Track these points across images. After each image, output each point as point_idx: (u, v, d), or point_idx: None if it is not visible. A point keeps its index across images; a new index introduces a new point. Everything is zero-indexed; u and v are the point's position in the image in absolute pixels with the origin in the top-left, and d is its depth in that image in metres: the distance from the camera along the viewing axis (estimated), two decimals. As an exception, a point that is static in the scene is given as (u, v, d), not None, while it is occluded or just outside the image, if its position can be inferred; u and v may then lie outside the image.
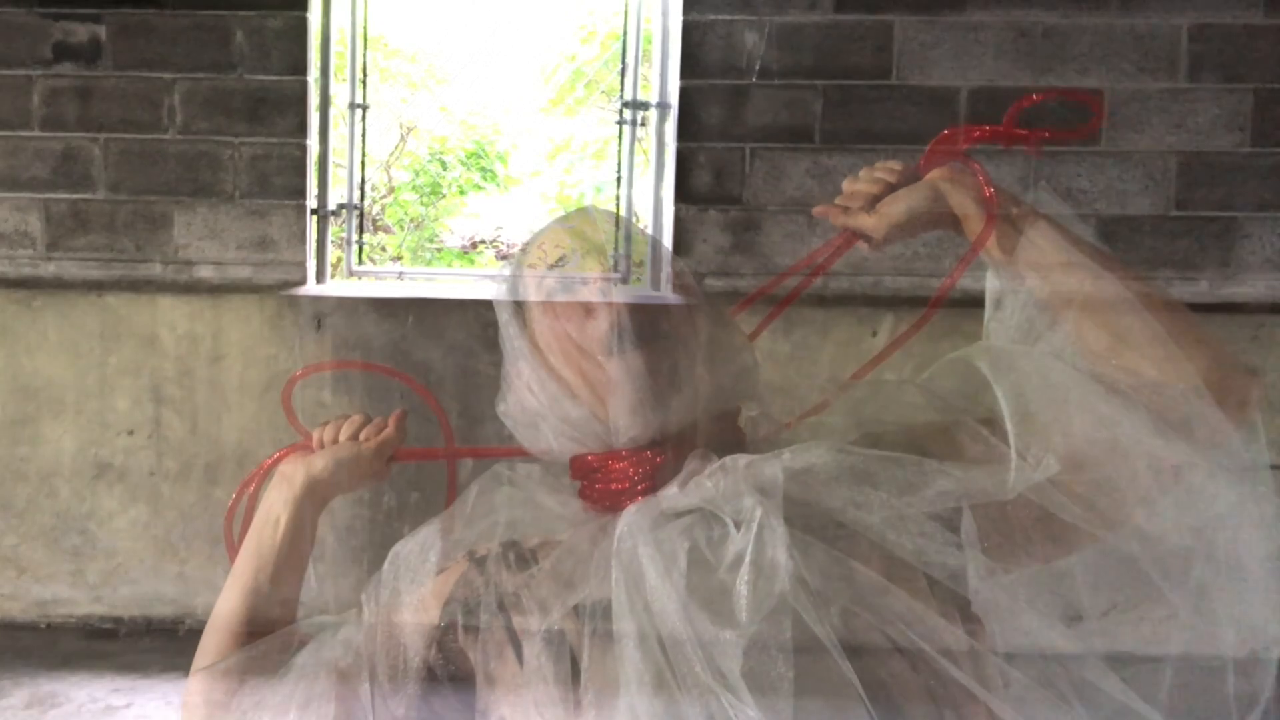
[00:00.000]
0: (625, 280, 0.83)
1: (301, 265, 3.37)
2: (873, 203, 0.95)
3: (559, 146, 6.81)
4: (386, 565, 0.86)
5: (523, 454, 0.93)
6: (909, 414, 0.88)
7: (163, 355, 3.34)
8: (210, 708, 0.86)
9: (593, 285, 0.85)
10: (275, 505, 0.99)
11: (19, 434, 3.37)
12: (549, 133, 6.90)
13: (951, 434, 0.84)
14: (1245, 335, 3.28)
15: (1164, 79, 3.26)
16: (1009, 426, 0.81)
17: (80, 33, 3.29)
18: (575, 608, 0.77)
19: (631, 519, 0.79)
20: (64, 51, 3.29)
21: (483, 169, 6.76)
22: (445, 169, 6.66)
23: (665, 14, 3.46)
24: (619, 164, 3.73)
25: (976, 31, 3.26)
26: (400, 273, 4.29)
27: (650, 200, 3.60)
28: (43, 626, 3.40)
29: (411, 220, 6.69)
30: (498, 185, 6.85)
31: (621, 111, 3.67)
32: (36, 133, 3.32)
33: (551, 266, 0.89)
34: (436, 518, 0.88)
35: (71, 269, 3.35)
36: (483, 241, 6.97)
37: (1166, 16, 3.23)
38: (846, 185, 0.99)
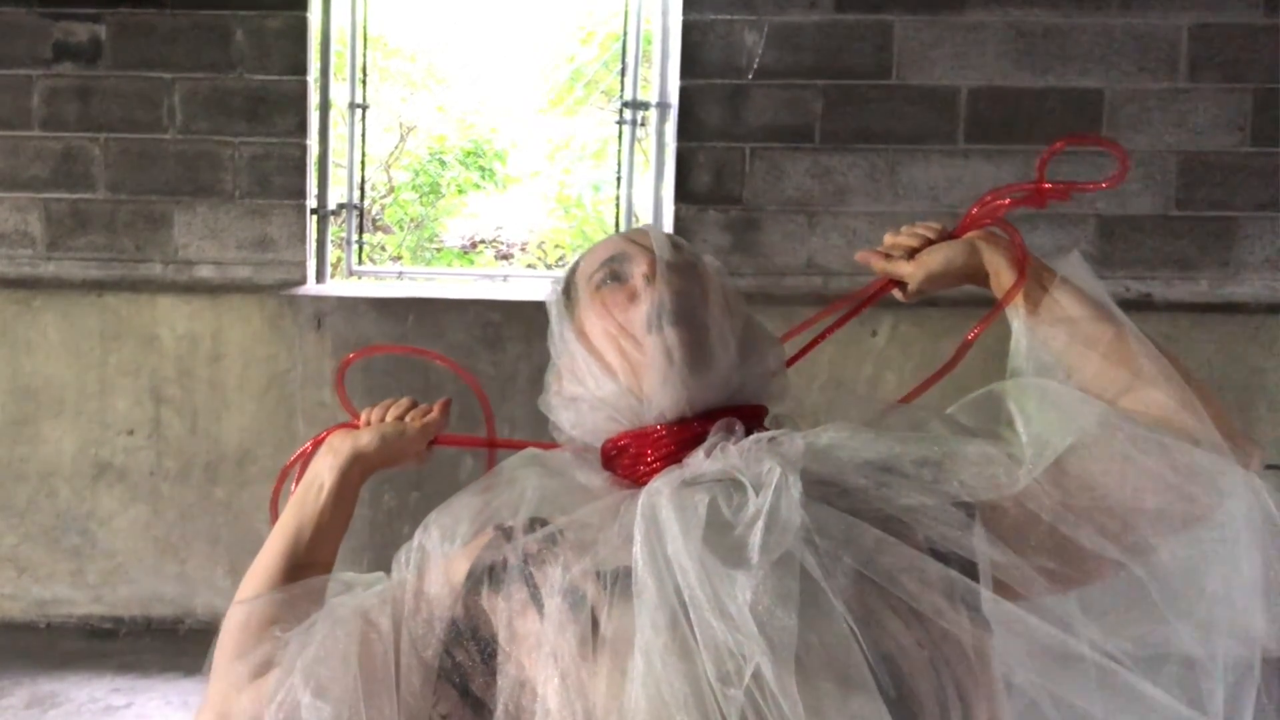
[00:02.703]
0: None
1: (301, 265, 3.37)
2: (912, 254, 1.03)
3: (558, 146, 6.81)
4: (419, 531, 0.90)
5: (558, 448, 0.98)
6: None
7: (163, 355, 3.34)
8: (244, 636, 0.91)
9: (639, 276, 0.91)
10: (321, 472, 1.04)
11: (19, 434, 3.37)
12: (548, 133, 6.90)
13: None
14: (1245, 335, 3.29)
15: (1164, 79, 3.26)
16: (1020, 430, 0.85)
17: (80, 33, 3.29)
18: (597, 573, 0.80)
19: (657, 483, 0.82)
20: (64, 51, 3.30)
21: (482, 169, 6.76)
22: (445, 169, 6.66)
23: (665, 14, 3.46)
24: (619, 164, 3.73)
25: (976, 31, 3.26)
26: (400, 272, 4.30)
27: (650, 200, 3.60)
28: (43, 626, 3.40)
29: (411, 220, 6.69)
30: (497, 185, 6.84)
31: (621, 111, 3.67)
32: (36, 133, 3.32)
33: (604, 263, 0.94)
34: (468, 489, 0.92)
35: (71, 269, 3.35)
36: (482, 241, 6.97)
37: (1166, 16, 3.24)
38: (888, 237, 1.06)
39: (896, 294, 1.07)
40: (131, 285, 3.34)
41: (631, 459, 0.90)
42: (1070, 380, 0.90)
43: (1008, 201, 1.04)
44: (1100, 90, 3.26)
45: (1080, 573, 0.82)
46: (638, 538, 0.77)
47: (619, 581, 0.78)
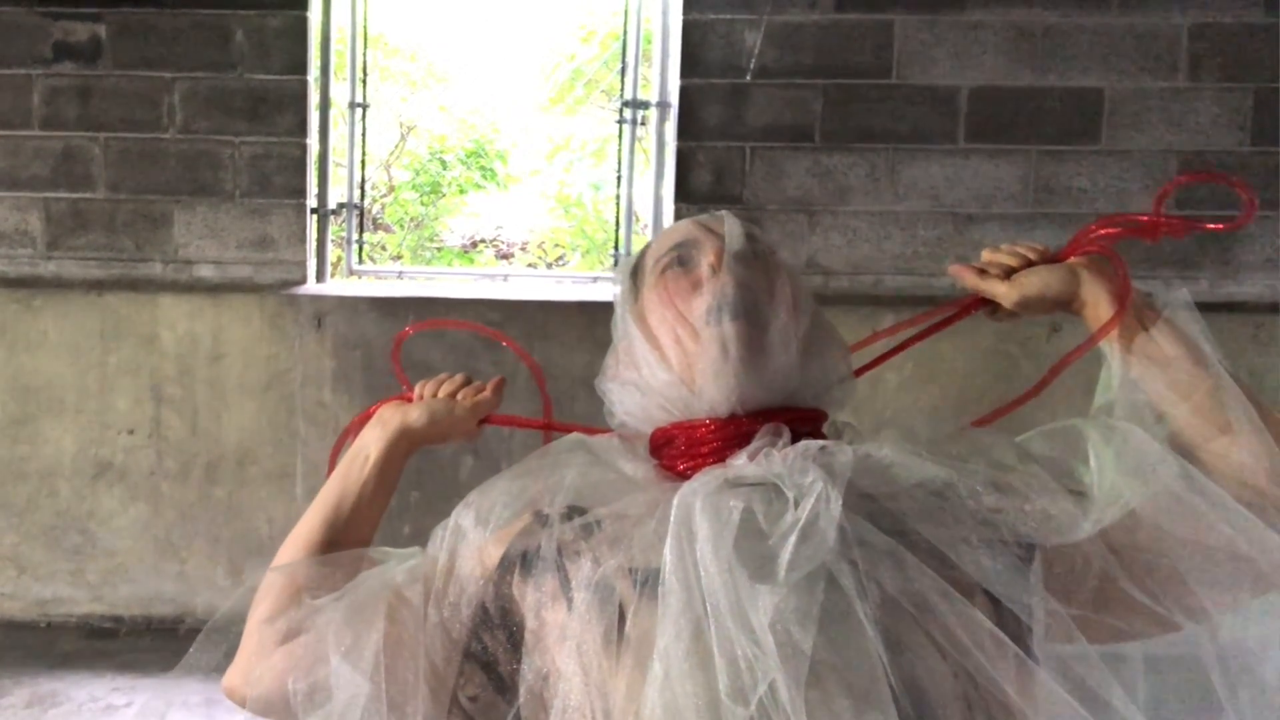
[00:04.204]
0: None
1: (301, 264, 3.37)
2: (1009, 274, 0.98)
3: (558, 146, 6.80)
4: (458, 509, 0.90)
5: (609, 433, 0.97)
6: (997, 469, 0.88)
7: (163, 355, 3.34)
8: (277, 601, 0.91)
9: (705, 265, 0.89)
10: (368, 443, 1.05)
11: (19, 433, 3.37)
12: (549, 132, 6.89)
13: None
14: (1245, 335, 3.28)
15: (1164, 79, 3.26)
16: (1094, 475, 0.82)
17: (80, 32, 3.29)
18: (629, 570, 0.78)
19: (695, 483, 0.80)
20: (64, 51, 3.30)
21: (482, 168, 6.75)
22: (445, 168, 6.66)
23: (665, 14, 3.46)
24: (619, 163, 3.73)
25: (976, 31, 3.26)
26: (400, 272, 4.30)
27: (650, 199, 3.60)
28: (43, 626, 3.40)
29: (411, 219, 6.69)
30: (497, 184, 6.84)
31: (621, 111, 3.67)
32: (36, 132, 3.32)
33: (672, 248, 0.93)
34: (509, 470, 0.92)
35: (71, 269, 3.35)
36: (483, 241, 6.97)
37: (1166, 16, 3.24)
38: (987, 254, 1.01)
39: (984, 314, 1.01)
40: (131, 285, 3.34)
41: (677, 451, 0.89)
42: (1161, 423, 0.87)
43: (1117, 230, 0.97)
44: (1100, 90, 3.26)
45: (1132, 627, 0.80)
46: (669, 540, 0.76)
47: (649, 582, 0.77)
